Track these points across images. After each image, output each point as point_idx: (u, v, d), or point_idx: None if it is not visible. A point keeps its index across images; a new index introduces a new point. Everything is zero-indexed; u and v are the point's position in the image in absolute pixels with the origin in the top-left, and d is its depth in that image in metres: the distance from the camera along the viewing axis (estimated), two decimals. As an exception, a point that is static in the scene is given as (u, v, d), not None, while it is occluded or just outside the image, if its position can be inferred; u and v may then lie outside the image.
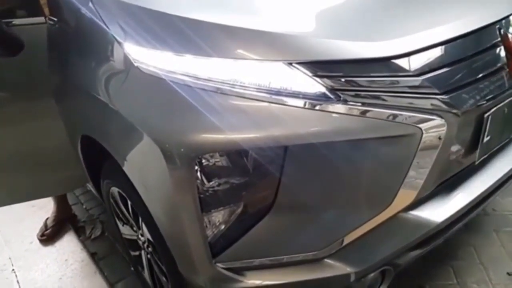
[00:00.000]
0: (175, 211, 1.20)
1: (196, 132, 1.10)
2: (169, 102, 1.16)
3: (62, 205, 2.51)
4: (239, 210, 1.19)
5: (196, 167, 1.12)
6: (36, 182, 2.01)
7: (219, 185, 1.15)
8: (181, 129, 1.11)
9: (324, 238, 1.20)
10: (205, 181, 1.15)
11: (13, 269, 2.22)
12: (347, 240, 1.21)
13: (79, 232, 2.45)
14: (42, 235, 2.41)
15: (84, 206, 2.69)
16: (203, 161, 1.13)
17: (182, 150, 1.10)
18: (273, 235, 1.20)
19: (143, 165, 1.26)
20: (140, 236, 1.68)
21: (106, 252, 2.27)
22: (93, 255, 2.24)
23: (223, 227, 1.20)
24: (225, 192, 1.16)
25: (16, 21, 1.64)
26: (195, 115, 1.11)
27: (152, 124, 1.17)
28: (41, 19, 1.64)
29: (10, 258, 2.30)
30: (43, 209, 2.61)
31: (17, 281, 2.14)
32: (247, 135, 1.08)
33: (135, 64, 1.21)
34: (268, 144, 1.08)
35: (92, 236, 2.40)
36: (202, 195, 1.15)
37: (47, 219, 2.48)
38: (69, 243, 2.36)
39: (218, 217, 1.19)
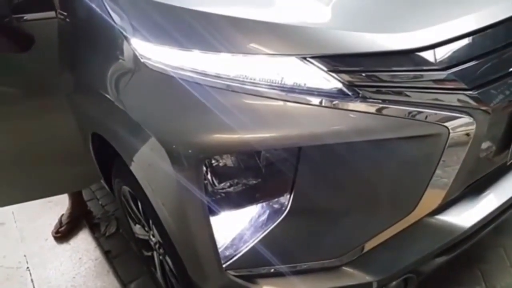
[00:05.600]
0: (182, 215, 1.14)
1: (205, 132, 1.04)
2: (176, 100, 1.10)
3: (77, 201, 2.49)
4: (251, 213, 1.13)
5: (205, 169, 1.06)
6: (51, 178, 2.00)
7: (229, 187, 1.10)
8: (188, 129, 1.06)
9: (342, 244, 1.13)
10: (214, 183, 1.09)
11: (27, 267, 2.21)
12: (368, 247, 1.13)
13: (94, 229, 2.43)
14: (57, 232, 2.39)
15: (100, 202, 2.67)
16: (212, 162, 1.06)
17: (189, 151, 1.04)
18: (287, 241, 1.13)
19: (149, 166, 1.20)
20: (151, 237, 1.63)
21: (120, 250, 2.23)
22: (107, 254, 2.21)
23: (233, 231, 1.14)
24: (235, 195, 1.10)
25: (27, 16, 1.60)
26: (203, 114, 1.04)
27: (158, 124, 1.11)
28: (51, 13, 1.60)
29: (25, 256, 2.29)
30: (59, 205, 2.60)
31: (31, 280, 2.13)
32: (258, 135, 1.01)
33: (142, 60, 1.15)
34: (281, 144, 1.01)
35: (107, 233, 2.37)
36: (210, 198, 1.09)
37: (62, 215, 2.46)
38: (83, 240, 2.33)
39: (228, 221, 1.13)
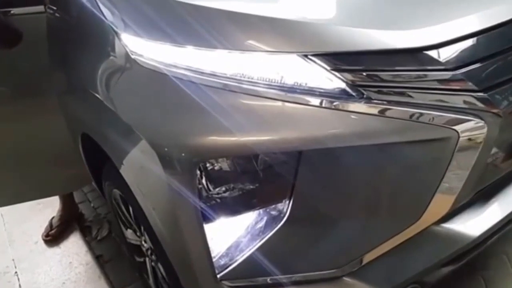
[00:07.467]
0: (174, 221, 1.08)
1: (199, 134, 0.98)
2: (168, 100, 1.04)
3: (68, 204, 2.42)
4: (247, 220, 1.07)
5: (199, 173, 1.00)
6: (41, 180, 1.95)
7: (224, 192, 1.03)
8: (181, 131, 0.99)
9: (344, 254, 1.07)
10: (208, 188, 1.03)
11: (16, 272, 2.15)
12: (371, 256, 1.08)
13: (85, 232, 2.37)
14: (47, 235, 2.33)
15: (91, 204, 2.61)
16: (207, 166, 1.00)
17: (183, 154, 0.98)
18: (286, 250, 1.07)
19: (140, 170, 1.14)
20: (143, 242, 1.56)
21: (112, 254, 2.17)
22: (98, 258, 2.15)
23: (229, 239, 1.08)
24: (231, 200, 1.04)
25: (15, 10, 1.54)
26: (197, 115, 0.98)
27: (149, 125, 1.05)
28: (40, 8, 1.55)
29: (13, 260, 2.22)
30: (49, 207, 2.53)
31: (19, 285, 2.06)
32: (256, 138, 0.95)
33: (133, 57, 1.09)
34: (280, 148, 0.95)
35: (99, 237, 2.31)
36: (204, 204, 1.02)
37: (52, 218, 2.40)
38: (74, 244, 2.27)
39: (224, 229, 1.07)
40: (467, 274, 1.76)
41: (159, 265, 1.47)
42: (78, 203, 2.54)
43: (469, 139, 0.96)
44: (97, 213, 2.51)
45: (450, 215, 1.09)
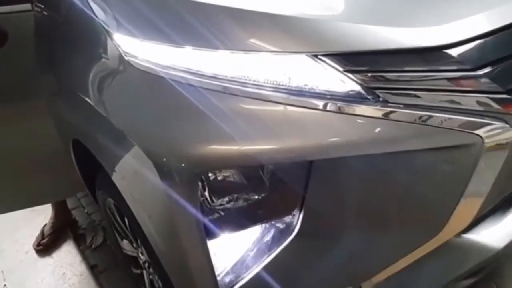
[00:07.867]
0: (174, 237, 1.00)
1: (200, 143, 0.90)
2: (166, 105, 0.96)
3: (60, 211, 2.33)
4: (253, 235, 1.00)
5: (200, 185, 0.92)
6: (32, 188, 1.86)
7: (227, 203, 0.96)
8: (181, 139, 0.91)
9: (359, 270, 1.00)
10: (211, 201, 0.95)
11: (5, 285, 2.06)
12: (389, 272, 1.00)
13: (79, 240, 2.27)
14: (38, 244, 2.24)
15: (85, 210, 2.51)
16: (209, 176, 0.93)
17: (182, 165, 0.90)
18: (295, 267, 1.00)
19: (134, 180, 1.06)
20: (140, 254, 1.48)
21: (107, 264, 2.08)
22: (93, 268, 2.06)
23: (235, 255, 1.00)
24: (235, 212, 0.97)
25: (0, 9, 1.45)
26: (198, 122, 0.91)
27: (145, 133, 0.97)
28: (27, 6, 1.46)
29: (2, 271, 2.13)
30: (42, 214, 2.43)
31: (8, 299, 1.98)
32: (262, 147, 0.88)
33: (126, 58, 1.01)
34: (288, 158, 0.87)
35: (93, 245, 2.22)
36: (207, 218, 0.95)
37: (44, 226, 2.31)
38: (67, 253, 2.18)
39: (228, 245, 1.00)
40: (480, 283, 1.69)
41: (157, 279, 1.39)
42: (71, 209, 2.45)
43: (494, 144, 0.89)
44: (91, 220, 2.41)
45: (471, 225, 1.02)
